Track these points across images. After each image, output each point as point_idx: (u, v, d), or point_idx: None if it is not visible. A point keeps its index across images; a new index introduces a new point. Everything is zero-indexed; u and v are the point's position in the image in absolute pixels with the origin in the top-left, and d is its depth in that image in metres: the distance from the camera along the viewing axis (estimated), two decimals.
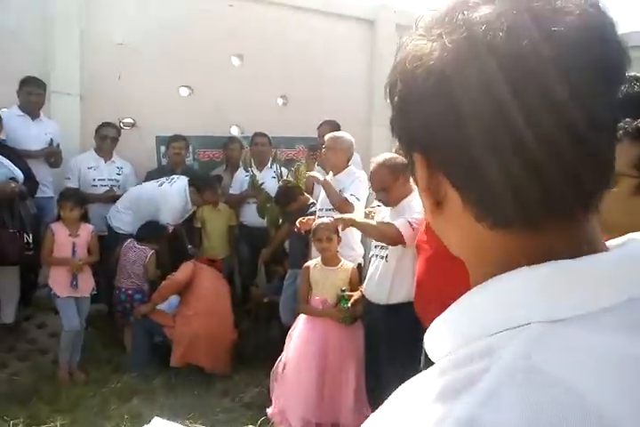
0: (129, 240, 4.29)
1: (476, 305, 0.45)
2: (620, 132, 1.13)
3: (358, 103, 5.99)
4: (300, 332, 3.22)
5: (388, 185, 2.93)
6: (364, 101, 6.05)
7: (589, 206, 0.45)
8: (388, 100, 0.50)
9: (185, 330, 3.82)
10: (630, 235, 0.49)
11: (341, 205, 3.56)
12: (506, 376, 0.37)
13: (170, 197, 4.42)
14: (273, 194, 4.38)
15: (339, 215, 3.24)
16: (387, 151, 3.26)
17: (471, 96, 0.41)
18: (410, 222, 2.83)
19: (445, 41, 0.42)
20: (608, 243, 0.48)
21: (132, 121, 5.08)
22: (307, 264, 3.41)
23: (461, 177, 0.45)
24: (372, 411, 0.46)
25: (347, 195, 3.61)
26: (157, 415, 1.37)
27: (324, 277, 3.29)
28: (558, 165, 0.41)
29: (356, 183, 3.75)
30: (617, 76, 0.43)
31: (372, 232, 3.05)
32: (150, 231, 4.27)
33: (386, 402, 0.45)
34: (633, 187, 1.11)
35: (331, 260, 3.30)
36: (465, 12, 0.41)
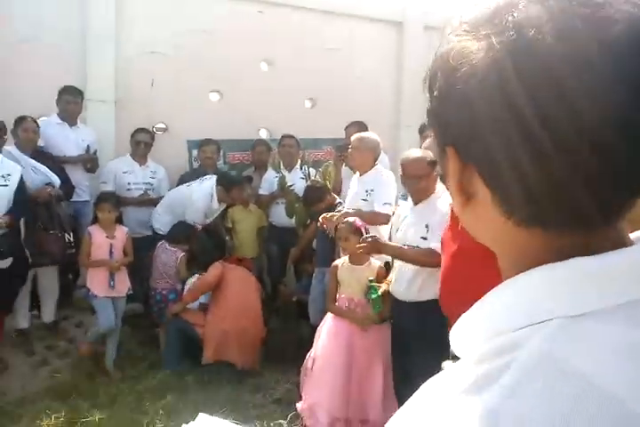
0: (161, 242, 4.42)
1: (501, 301, 0.46)
2: None
3: (386, 105, 6.03)
4: (328, 329, 3.26)
5: (425, 173, 2.94)
6: (392, 103, 6.09)
7: (611, 216, 0.44)
8: (427, 92, 0.50)
9: (215, 328, 3.91)
10: None
11: (374, 220, 3.50)
12: (529, 370, 0.39)
13: (195, 195, 4.54)
14: (301, 194, 4.44)
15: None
16: None
17: (512, 99, 0.41)
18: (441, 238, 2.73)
19: (494, 41, 0.42)
20: (632, 235, 0.48)
21: (164, 126, 5.23)
22: (335, 263, 3.45)
23: (491, 174, 0.45)
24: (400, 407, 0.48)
25: (377, 205, 3.57)
26: (198, 411, 1.40)
27: (350, 276, 3.32)
28: (579, 176, 0.41)
29: (383, 187, 3.74)
30: None
31: (412, 261, 2.91)
32: (179, 232, 4.39)
33: (413, 396, 0.47)
34: None
35: (356, 258, 3.32)
36: (515, 14, 0.42)
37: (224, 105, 5.38)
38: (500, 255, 0.51)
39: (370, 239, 2.97)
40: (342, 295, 3.32)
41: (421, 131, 4.59)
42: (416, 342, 2.85)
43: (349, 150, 3.94)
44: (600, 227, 0.44)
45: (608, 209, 0.43)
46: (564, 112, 0.39)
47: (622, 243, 0.45)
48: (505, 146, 0.42)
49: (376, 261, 3.38)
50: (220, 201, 4.64)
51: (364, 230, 3.20)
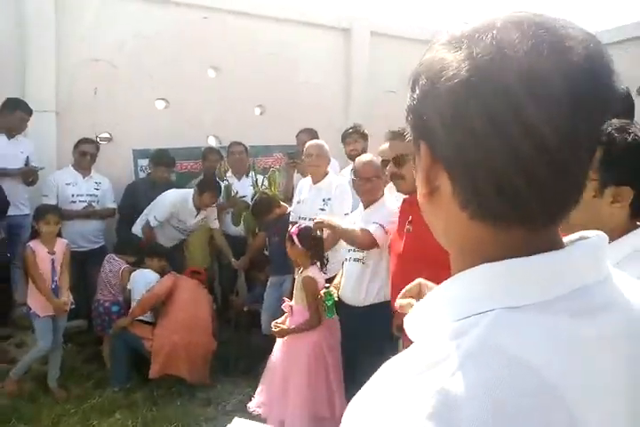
0: (109, 254, 4.30)
1: (449, 294, 0.54)
2: None
3: (335, 111, 6.04)
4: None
5: (375, 174, 3.03)
6: (341, 109, 6.11)
7: (555, 219, 0.53)
8: (409, 92, 0.55)
9: (164, 341, 3.81)
10: (582, 232, 0.58)
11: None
12: (470, 353, 0.46)
13: (166, 195, 4.49)
14: (251, 202, 4.40)
15: (318, 218, 3.23)
16: None
17: (483, 105, 0.48)
18: (382, 226, 2.89)
19: (475, 53, 0.48)
20: (565, 239, 0.56)
21: (108, 135, 5.09)
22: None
23: (456, 170, 0.52)
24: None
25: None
26: None
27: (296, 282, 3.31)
28: (528, 181, 0.49)
29: (346, 198, 3.84)
30: (602, 105, 0.50)
31: (346, 237, 3.07)
32: (127, 243, 4.28)
33: (369, 381, 0.51)
34: (593, 190, 1.21)
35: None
36: (494, 32, 0.49)
37: (171, 113, 5.28)
38: (451, 247, 0.58)
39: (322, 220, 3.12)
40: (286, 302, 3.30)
41: (344, 138, 4.67)
42: (364, 344, 2.87)
43: (307, 158, 3.94)
44: (542, 226, 0.52)
45: (551, 208, 0.52)
46: (518, 122, 0.47)
47: (559, 244, 0.54)
48: (467, 144, 0.49)
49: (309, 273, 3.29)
50: (194, 203, 4.51)
51: (295, 238, 3.19)
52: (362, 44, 6.14)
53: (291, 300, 3.26)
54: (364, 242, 2.91)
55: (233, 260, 4.59)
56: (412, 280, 2.20)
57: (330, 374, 3.08)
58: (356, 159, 3.33)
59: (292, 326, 3.14)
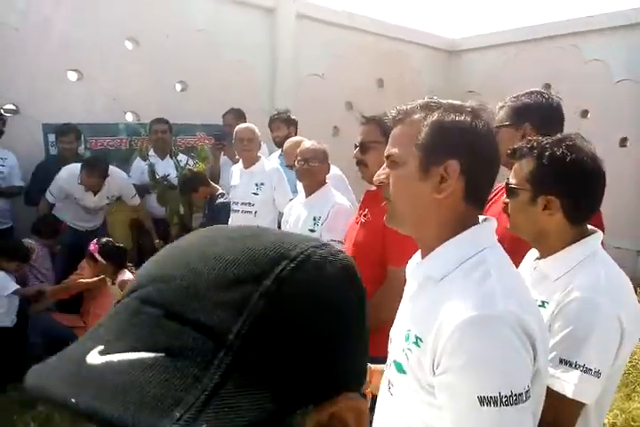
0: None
1: (458, 245, 1.03)
2: (524, 149, 1.30)
3: (261, 91, 5.92)
4: None
5: (321, 159, 2.94)
6: (267, 89, 6.00)
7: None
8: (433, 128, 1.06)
9: None
10: (488, 217, 1.11)
11: None
12: (496, 268, 0.98)
13: (62, 169, 4.23)
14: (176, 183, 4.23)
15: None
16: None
17: (482, 141, 1.05)
18: (334, 241, 2.68)
19: (476, 117, 1.05)
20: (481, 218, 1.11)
21: (13, 107, 4.66)
22: None
23: (478, 178, 1.07)
24: None
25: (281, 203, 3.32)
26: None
27: None
28: (492, 182, 1.10)
29: (285, 184, 3.82)
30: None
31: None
32: (46, 225, 4.06)
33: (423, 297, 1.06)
34: (528, 198, 1.37)
35: None
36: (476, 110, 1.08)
37: (85, 85, 4.91)
38: (433, 221, 1.06)
39: None
40: None
41: (269, 124, 4.62)
42: None
43: (238, 142, 3.83)
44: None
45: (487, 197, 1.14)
46: (490, 153, 1.10)
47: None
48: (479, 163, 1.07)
49: (125, 277, 3.26)
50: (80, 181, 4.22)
51: (97, 256, 3.13)
52: (287, 25, 6.04)
53: None
54: None
55: (157, 241, 4.41)
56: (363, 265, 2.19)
57: None
58: (286, 142, 3.35)
59: None
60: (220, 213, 3.91)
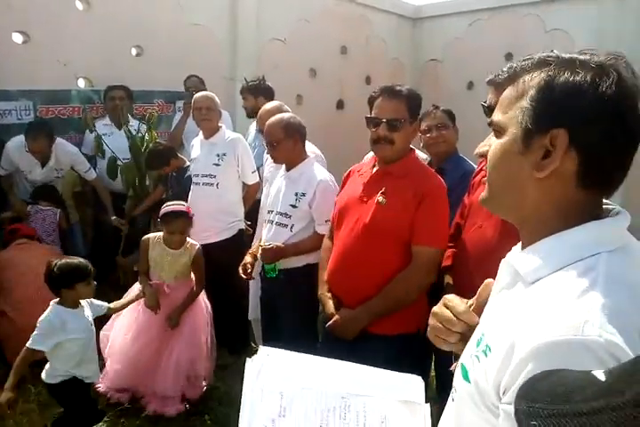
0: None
1: (568, 243, 0.81)
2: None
3: (221, 57, 5.70)
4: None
5: (279, 138, 2.80)
6: (227, 55, 5.77)
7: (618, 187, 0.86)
8: (540, 93, 0.83)
9: (9, 325, 3.28)
10: (620, 208, 0.86)
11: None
12: (606, 277, 0.74)
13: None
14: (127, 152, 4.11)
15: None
16: None
17: (606, 106, 0.79)
18: (328, 221, 2.66)
19: (602, 74, 0.80)
20: (605, 208, 0.87)
21: None
22: (147, 236, 3.19)
23: (592, 156, 0.80)
24: None
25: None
26: None
27: (162, 259, 3.12)
28: (629, 160, 0.84)
29: (249, 157, 3.77)
30: None
31: (300, 252, 2.80)
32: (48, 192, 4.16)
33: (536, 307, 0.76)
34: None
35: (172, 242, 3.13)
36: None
37: (31, 48, 4.59)
38: (538, 212, 0.85)
39: (270, 247, 2.76)
40: (153, 279, 3.13)
41: (241, 92, 4.48)
42: (286, 305, 2.86)
43: (196, 112, 3.68)
44: (611, 193, 0.86)
45: (622, 180, 0.84)
46: (629, 118, 0.80)
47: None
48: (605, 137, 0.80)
49: (194, 243, 3.19)
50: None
51: None
52: None
53: None
54: (319, 246, 2.64)
55: (114, 217, 4.26)
56: (373, 249, 2.14)
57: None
58: (261, 110, 3.35)
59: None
60: (188, 186, 3.77)
